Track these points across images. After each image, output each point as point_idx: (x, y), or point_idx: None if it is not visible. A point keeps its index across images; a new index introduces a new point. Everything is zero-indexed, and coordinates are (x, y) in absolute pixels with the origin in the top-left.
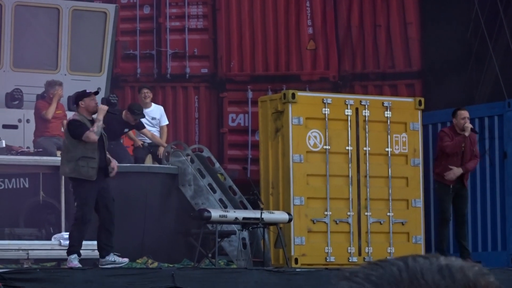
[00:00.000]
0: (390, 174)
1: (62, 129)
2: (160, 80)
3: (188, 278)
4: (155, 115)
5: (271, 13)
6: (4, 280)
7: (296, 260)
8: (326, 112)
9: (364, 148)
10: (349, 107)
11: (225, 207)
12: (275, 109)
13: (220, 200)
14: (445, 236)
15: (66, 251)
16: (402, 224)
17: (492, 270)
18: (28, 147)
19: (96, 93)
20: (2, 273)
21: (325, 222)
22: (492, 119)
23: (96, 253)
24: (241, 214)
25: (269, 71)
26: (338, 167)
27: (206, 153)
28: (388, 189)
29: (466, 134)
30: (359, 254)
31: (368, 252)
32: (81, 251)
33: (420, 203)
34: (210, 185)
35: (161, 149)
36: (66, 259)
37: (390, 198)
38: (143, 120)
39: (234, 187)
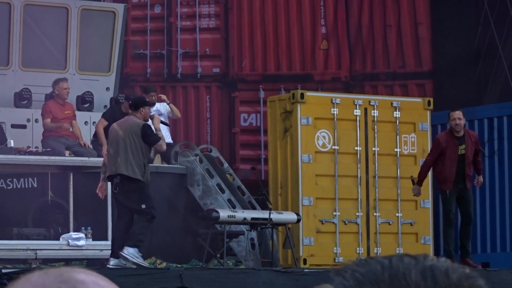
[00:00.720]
0: (399, 174)
1: (71, 129)
2: (170, 80)
3: (196, 279)
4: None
5: (282, 12)
6: (12, 280)
7: (305, 261)
8: (335, 112)
9: (373, 148)
10: (358, 107)
11: (234, 207)
12: (284, 109)
13: (229, 200)
14: (450, 236)
15: (127, 239)
16: (411, 224)
17: (500, 271)
18: (36, 147)
19: (151, 104)
20: (10, 273)
21: (333, 222)
22: (501, 120)
23: (104, 253)
24: (249, 214)
25: (281, 71)
26: (347, 168)
27: (215, 153)
28: (396, 190)
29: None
30: (368, 254)
31: (376, 253)
32: (89, 252)
33: (429, 204)
34: (218, 185)
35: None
36: (73, 259)
37: (399, 199)
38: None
39: (243, 187)
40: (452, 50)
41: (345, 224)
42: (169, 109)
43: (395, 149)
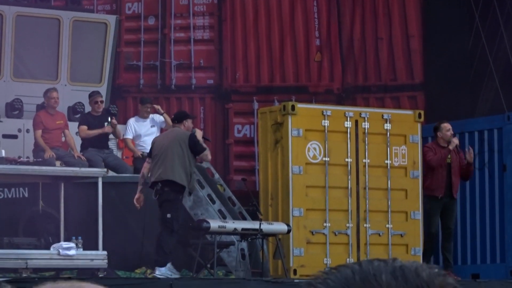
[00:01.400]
0: (389, 186)
1: (63, 139)
2: (164, 91)
3: None
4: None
5: (276, 23)
6: None
7: (295, 271)
8: (326, 124)
9: (364, 160)
10: (348, 119)
11: (224, 217)
12: (275, 121)
13: (219, 211)
14: (431, 249)
15: (155, 260)
16: (401, 236)
17: (490, 282)
18: (28, 157)
19: (194, 117)
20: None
21: (324, 233)
22: (491, 132)
23: (94, 263)
24: (240, 225)
25: (274, 82)
26: (338, 179)
27: (206, 164)
28: (387, 201)
29: (451, 147)
30: None
31: None
32: (80, 261)
33: (419, 215)
34: (209, 195)
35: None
36: (64, 269)
37: (389, 210)
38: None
39: (234, 198)
40: (444, 63)
41: (336, 235)
42: (163, 119)
43: (386, 161)
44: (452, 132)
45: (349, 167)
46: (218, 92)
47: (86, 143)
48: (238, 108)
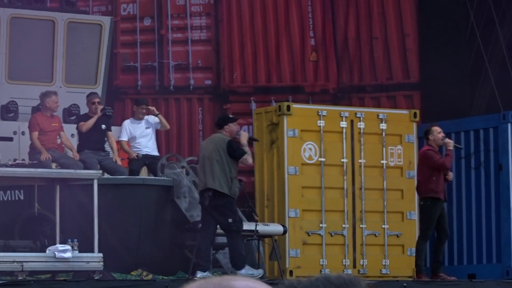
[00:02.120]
0: (385, 186)
1: (59, 141)
2: (162, 92)
3: None
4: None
5: (272, 23)
6: None
7: (291, 273)
8: (321, 124)
9: (359, 160)
10: (344, 119)
11: None
12: (270, 121)
13: None
14: (424, 250)
15: (232, 265)
16: (397, 236)
17: (487, 282)
18: (23, 159)
19: (236, 119)
20: None
21: (320, 234)
22: (487, 132)
23: (90, 265)
24: None
25: (271, 83)
26: (333, 180)
27: None
28: (383, 202)
29: (451, 148)
30: (354, 266)
31: (363, 265)
32: (76, 264)
33: (415, 216)
34: None
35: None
36: (60, 271)
37: (385, 211)
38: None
39: None
40: (440, 62)
41: (332, 236)
42: (158, 120)
43: (382, 161)
44: (444, 134)
45: (345, 168)
46: (215, 93)
47: (82, 145)
48: (235, 109)
